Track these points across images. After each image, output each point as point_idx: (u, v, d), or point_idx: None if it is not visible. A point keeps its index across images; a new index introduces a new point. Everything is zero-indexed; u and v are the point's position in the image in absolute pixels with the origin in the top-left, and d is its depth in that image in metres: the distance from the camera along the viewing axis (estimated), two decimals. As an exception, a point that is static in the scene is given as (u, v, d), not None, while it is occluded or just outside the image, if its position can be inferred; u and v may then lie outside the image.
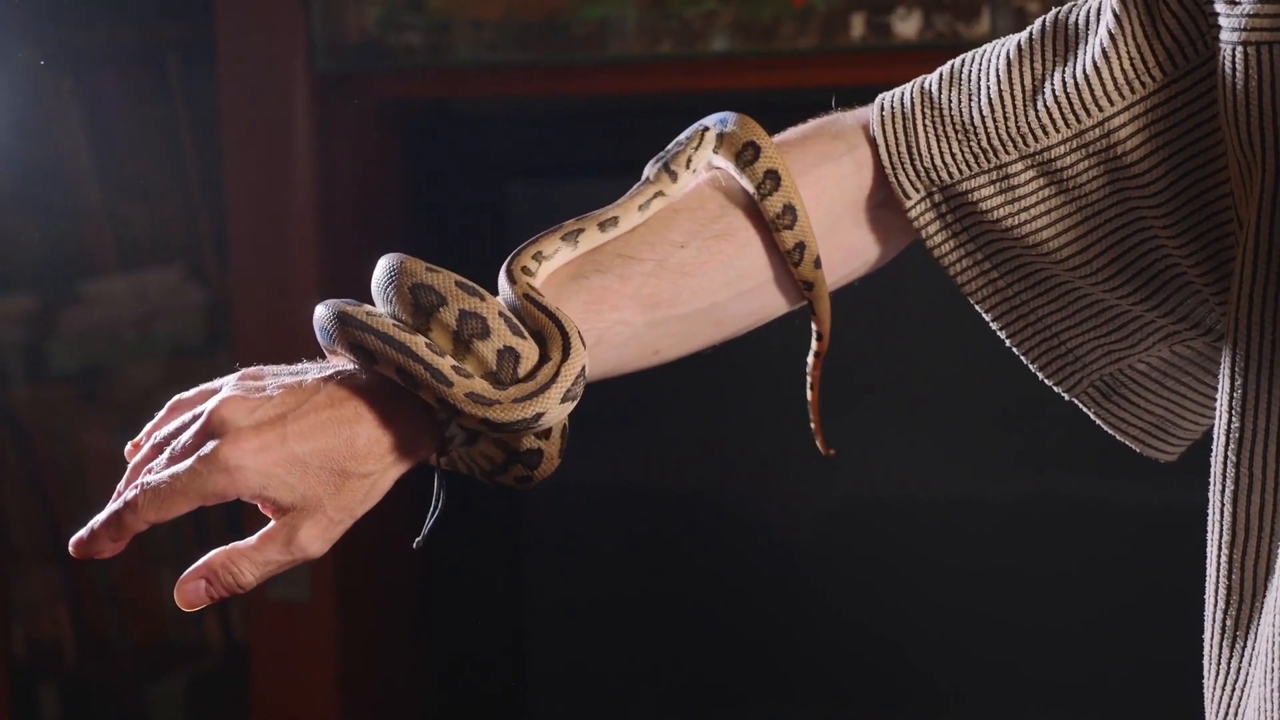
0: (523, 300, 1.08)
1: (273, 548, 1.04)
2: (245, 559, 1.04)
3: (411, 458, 1.07)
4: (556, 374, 1.05)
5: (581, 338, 1.07)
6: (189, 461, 1.03)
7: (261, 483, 1.03)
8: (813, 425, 1.25)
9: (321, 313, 1.08)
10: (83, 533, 1.05)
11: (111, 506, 1.05)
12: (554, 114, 2.67)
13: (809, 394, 1.24)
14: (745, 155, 1.17)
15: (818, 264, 1.17)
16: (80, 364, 2.64)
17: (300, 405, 1.05)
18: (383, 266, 1.09)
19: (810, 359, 1.23)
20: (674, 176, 1.16)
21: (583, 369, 1.06)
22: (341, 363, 1.09)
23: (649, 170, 1.18)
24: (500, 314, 1.07)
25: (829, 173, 1.19)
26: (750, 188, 1.17)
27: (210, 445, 1.03)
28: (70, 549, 1.06)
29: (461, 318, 1.06)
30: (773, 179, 1.16)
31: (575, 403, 1.06)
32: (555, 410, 1.05)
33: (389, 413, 1.06)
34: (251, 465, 1.02)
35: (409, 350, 1.04)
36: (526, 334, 1.08)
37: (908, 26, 2.30)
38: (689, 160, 1.16)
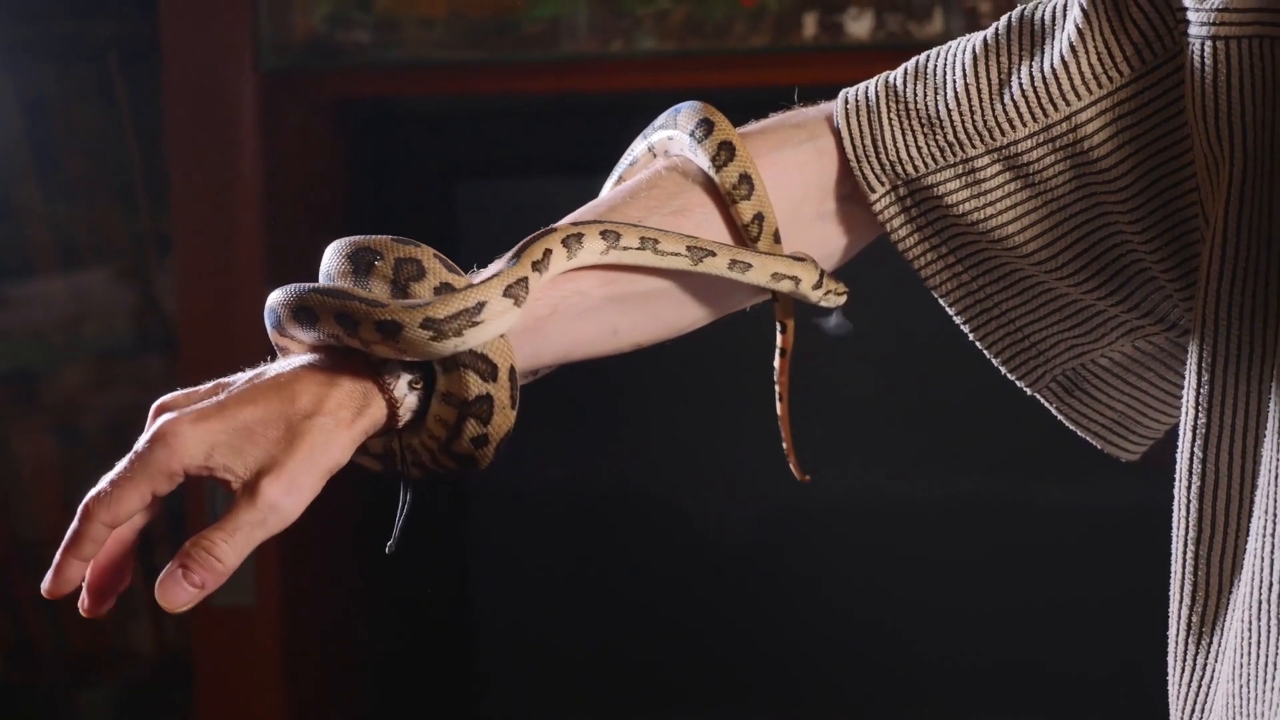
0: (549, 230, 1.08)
1: (241, 512, 1.00)
2: (216, 532, 1.00)
3: (361, 416, 1.04)
4: (498, 274, 1.04)
5: (536, 266, 1.05)
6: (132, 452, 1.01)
7: (205, 450, 1.00)
8: (784, 445, 1.20)
9: (271, 296, 1.07)
10: (50, 570, 1.01)
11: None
12: (503, 113, 2.65)
13: (778, 406, 1.20)
14: (699, 131, 1.16)
15: (778, 238, 1.15)
16: (9, 366, 2.61)
17: (238, 382, 1.03)
18: (327, 251, 1.08)
19: (776, 360, 1.19)
20: (822, 291, 1.16)
21: (526, 278, 1.04)
22: (286, 358, 1.08)
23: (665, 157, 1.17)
24: (435, 256, 1.06)
25: (788, 157, 1.17)
26: (706, 160, 1.15)
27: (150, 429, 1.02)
28: (44, 592, 1.02)
29: (398, 265, 1.05)
30: (728, 150, 1.14)
31: (518, 306, 1.04)
32: (497, 304, 1.03)
33: (332, 373, 1.04)
34: (189, 433, 0.99)
35: (345, 292, 1.03)
36: (463, 272, 1.06)
37: (860, 26, 2.29)
38: (829, 292, 1.16)
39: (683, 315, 1.16)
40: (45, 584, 1.02)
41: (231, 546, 0.99)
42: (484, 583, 2.65)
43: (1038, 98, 1.13)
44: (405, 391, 1.05)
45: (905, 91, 1.16)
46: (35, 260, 2.61)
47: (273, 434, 1.01)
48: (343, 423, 1.03)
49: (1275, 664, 1.02)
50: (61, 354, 2.61)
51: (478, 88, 2.43)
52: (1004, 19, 1.16)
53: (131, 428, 1.03)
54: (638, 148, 1.22)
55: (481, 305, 1.03)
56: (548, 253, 1.07)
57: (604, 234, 1.09)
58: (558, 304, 1.10)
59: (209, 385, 1.04)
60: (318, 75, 2.42)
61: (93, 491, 1.01)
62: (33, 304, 2.61)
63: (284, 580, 2.44)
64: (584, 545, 2.63)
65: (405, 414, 1.06)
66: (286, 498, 1.00)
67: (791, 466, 1.20)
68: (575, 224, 1.09)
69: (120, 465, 1.01)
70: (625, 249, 1.09)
